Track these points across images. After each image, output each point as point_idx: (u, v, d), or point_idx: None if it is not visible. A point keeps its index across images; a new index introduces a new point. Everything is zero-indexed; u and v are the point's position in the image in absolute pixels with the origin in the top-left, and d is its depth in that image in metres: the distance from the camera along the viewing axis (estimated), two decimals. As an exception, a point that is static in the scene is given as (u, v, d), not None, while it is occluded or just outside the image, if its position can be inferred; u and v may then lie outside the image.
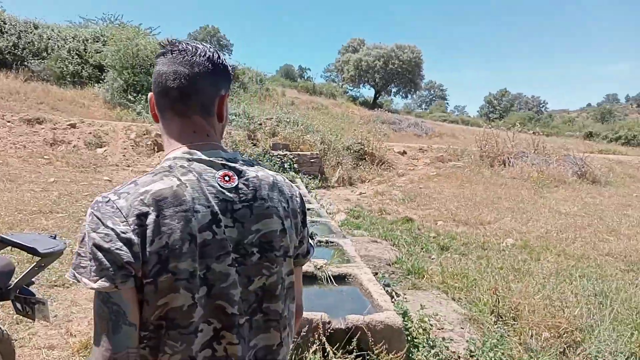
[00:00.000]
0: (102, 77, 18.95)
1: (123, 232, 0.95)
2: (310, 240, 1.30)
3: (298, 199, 1.23)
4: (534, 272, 5.51)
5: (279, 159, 12.96)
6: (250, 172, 1.12)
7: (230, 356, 1.04)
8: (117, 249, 0.94)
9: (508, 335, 3.73)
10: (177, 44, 1.11)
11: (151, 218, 0.96)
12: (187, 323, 0.99)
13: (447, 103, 74.28)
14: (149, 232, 0.96)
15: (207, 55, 1.11)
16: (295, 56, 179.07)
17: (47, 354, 3.18)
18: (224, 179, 1.07)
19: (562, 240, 7.34)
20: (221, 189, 1.06)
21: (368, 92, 50.20)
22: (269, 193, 1.13)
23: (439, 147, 18.06)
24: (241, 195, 1.08)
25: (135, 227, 0.95)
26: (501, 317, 4.16)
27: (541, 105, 74.07)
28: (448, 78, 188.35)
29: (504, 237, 7.43)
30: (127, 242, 0.94)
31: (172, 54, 1.10)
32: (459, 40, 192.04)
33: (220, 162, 1.09)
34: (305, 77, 60.20)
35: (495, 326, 3.94)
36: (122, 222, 0.95)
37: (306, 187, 10.45)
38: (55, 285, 4.39)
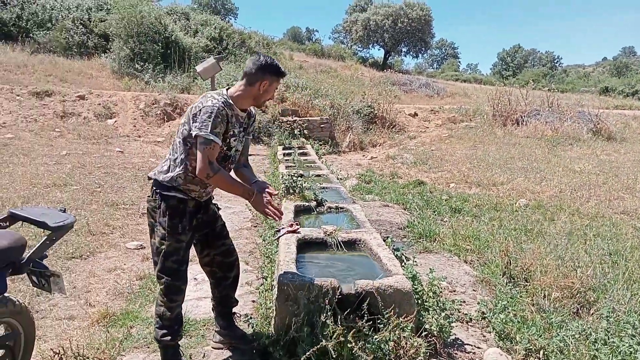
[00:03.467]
0: (108, 46, 18.78)
1: None
2: (194, 129, 2.40)
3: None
4: (547, 233, 5.47)
5: (288, 125, 12.88)
6: None
7: None
8: None
9: (520, 296, 3.74)
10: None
11: None
12: None
13: (459, 61, 72.75)
14: None
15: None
16: (302, 18, 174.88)
17: (68, 324, 3.26)
18: None
19: (576, 199, 7.26)
20: None
21: (378, 53, 49.38)
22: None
23: (451, 108, 17.79)
24: None
25: None
26: (513, 279, 4.16)
27: (555, 61, 72.10)
28: (460, 35, 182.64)
29: (517, 197, 7.37)
30: None
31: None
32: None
33: None
34: (314, 40, 59.21)
35: (507, 287, 3.95)
36: None
37: (316, 153, 10.40)
38: (73, 257, 4.47)
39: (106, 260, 4.51)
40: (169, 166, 2.55)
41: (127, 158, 9.64)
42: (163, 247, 2.52)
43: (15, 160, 8.32)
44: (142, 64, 17.26)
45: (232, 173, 2.70)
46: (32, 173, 7.46)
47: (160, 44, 17.96)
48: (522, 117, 15.69)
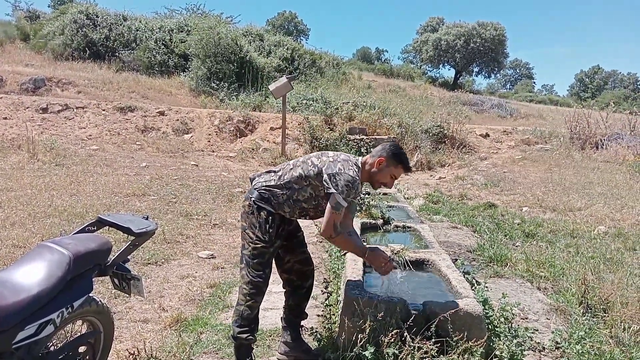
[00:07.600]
0: (187, 65, 19.78)
1: None
2: (332, 188, 2.59)
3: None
4: (628, 263, 5.11)
5: (355, 143, 12.94)
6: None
7: None
8: None
9: (597, 328, 3.51)
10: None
11: None
12: None
13: (534, 82, 70.06)
14: None
15: None
16: (372, 38, 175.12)
17: (142, 327, 3.42)
18: None
19: (663, 228, 6.72)
20: None
21: (448, 73, 48.74)
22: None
23: (524, 129, 17.12)
24: None
25: None
26: (590, 309, 3.91)
27: (638, 83, 67.69)
28: (535, 55, 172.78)
29: (595, 224, 6.95)
30: None
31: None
32: (546, 14, 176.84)
33: None
34: (383, 60, 59.28)
35: (584, 318, 3.72)
36: None
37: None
38: (149, 263, 4.70)
39: (179, 267, 4.71)
40: (275, 183, 2.76)
41: (201, 171, 10.04)
42: (251, 249, 2.74)
43: (99, 171, 8.91)
44: (217, 82, 18.02)
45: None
46: (114, 183, 7.96)
47: (235, 64, 18.68)
48: (601, 141, 14.83)
